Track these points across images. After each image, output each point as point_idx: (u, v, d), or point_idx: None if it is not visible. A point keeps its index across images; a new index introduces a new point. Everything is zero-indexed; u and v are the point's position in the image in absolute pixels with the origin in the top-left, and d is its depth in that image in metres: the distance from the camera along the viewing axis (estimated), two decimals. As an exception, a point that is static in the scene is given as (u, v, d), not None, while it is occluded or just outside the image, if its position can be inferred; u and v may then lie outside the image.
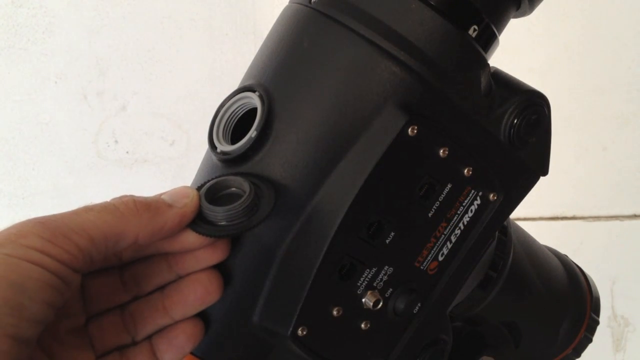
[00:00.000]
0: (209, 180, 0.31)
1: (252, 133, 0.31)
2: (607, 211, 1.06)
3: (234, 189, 0.31)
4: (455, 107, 0.31)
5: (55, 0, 0.86)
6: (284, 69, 0.33)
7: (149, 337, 0.32)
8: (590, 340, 0.49)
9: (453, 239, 0.34)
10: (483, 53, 0.32)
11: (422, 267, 0.33)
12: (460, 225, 0.34)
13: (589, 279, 0.52)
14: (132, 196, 0.30)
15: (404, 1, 0.31)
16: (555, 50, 1.01)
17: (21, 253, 0.26)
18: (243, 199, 0.30)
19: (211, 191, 0.31)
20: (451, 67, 0.31)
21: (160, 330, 0.32)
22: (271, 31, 0.35)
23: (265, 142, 0.31)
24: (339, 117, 0.31)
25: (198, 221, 0.30)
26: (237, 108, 0.34)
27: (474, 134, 0.32)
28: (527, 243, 0.47)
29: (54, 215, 0.28)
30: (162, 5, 0.89)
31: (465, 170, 0.32)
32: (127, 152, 0.90)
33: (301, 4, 0.33)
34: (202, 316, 0.32)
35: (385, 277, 0.32)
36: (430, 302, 0.35)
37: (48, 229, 0.27)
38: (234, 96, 0.34)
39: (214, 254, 0.31)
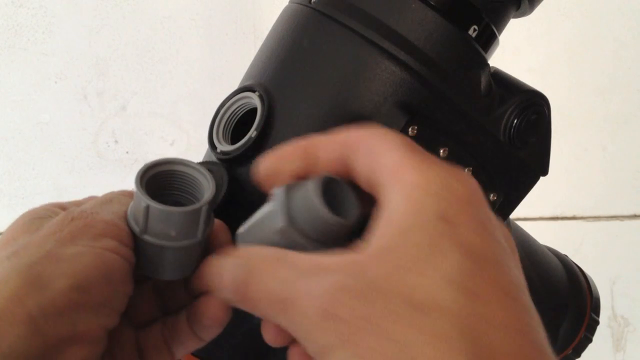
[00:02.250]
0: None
1: (252, 133, 0.31)
2: (607, 211, 1.06)
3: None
4: (455, 107, 0.31)
5: (55, 0, 0.86)
6: (284, 68, 0.33)
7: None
8: (590, 340, 0.49)
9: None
10: (483, 53, 0.32)
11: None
12: (460, 225, 0.34)
13: (589, 279, 0.52)
14: None
15: (404, 1, 0.31)
16: (555, 50, 1.00)
17: (103, 244, 0.26)
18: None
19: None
20: (451, 67, 0.31)
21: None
22: (271, 31, 0.35)
23: (265, 142, 0.31)
24: (339, 116, 0.31)
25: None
26: (237, 108, 0.34)
27: (474, 134, 0.32)
28: (527, 243, 0.47)
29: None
30: (162, 5, 0.89)
31: (465, 170, 0.32)
32: (127, 152, 0.90)
33: (301, 3, 0.33)
34: None
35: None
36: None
37: (115, 218, 0.27)
38: (234, 96, 0.34)
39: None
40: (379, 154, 0.24)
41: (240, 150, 0.32)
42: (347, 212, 0.25)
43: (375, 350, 0.20)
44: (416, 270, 0.21)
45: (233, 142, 0.33)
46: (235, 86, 0.35)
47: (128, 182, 0.92)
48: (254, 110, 0.33)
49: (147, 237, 0.27)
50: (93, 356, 0.25)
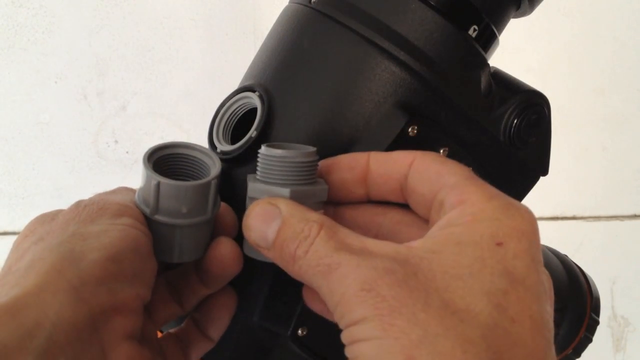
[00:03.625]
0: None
1: (252, 133, 0.31)
2: (607, 211, 1.06)
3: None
4: (455, 107, 0.31)
5: (55, 0, 0.86)
6: (284, 68, 0.33)
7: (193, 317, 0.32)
8: (590, 340, 0.49)
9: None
10: (483, 53, 0.32)
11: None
12: (460, 225, 0.34)
13: (589, 279, 0.52)
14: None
15: (404, 1, 0.31)
16: (555, 50, 1.00)
17: (123, 221, 0.26)
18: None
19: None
20: (451, 67, 0.31)
21: (201, 306, 0.32)
22: (271, 31, 0.35)
23: (265, 142, 0.31)
24: (339, 117, 0.31)
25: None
26: (237, 108, 0.34)
27: (474, 134, 0.32)
28: (527, 243, 0.47)
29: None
30: (162, 5, 0.89)
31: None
32: (127, 152, 0.90)
33: (301, 3, 0.33)
34: None
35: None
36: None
37: (127, 201, 0.28)
38: (234, 96, 0.34)
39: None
40: (444, 176, 0.26)
41: (240, 150, 0.32)
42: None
43: (403, 331, 0.21)
44: (460, 278, 0.22)
45: (233, 142, 0.33)
46: (235, 86, 0.35)
47: (128, 182, 0.92)
48: (254, 110, 0.33)
49: (158, 217, 0.27)
50: (135, 328, 0.26)
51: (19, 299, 0.22)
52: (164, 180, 0.26)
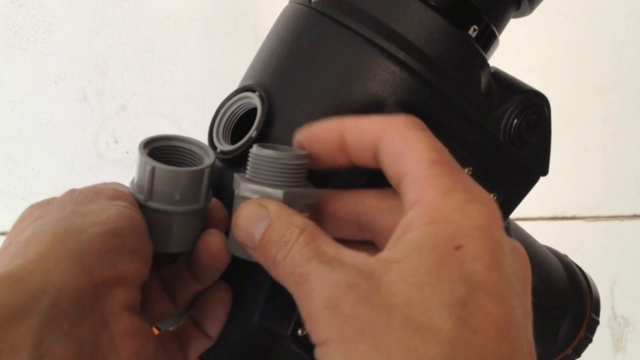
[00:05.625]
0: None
1: (252, 133, 0.31)
2: (607, 211, 1.06)
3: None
4: (455, 107, 0.31)
5: (55, 0, 0.86)
6: (284, 68, 0.33)
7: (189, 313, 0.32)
8: (590, 340, 0.49)
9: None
10: (483, 53, 0.32)
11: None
12: (460, 225, 0.34)
13: (589, 279, 0.52)
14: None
15: (404, 1, 0.31)
16: (555, 50, 1.00)
17: (121, 204, 0.27)
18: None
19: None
20: (451, 67, 0.31)
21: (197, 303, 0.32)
22: (271, 31, 0.35)
23: (265, 142, 0.31)
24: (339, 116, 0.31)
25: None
26: (237, 108, 0.34)
27: (473, 134, 0.32)
28: (527, 243, 0.47)
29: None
30: (162, 5, 0.89)
31: (465, 170, 0.32)
32: (127, 152, 0.90)
33: (301, 3, 0.33)
34: None
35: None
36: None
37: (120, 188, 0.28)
38: (234, 96, 0.34)
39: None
40: (405, 160, 0.25)
41: (240, 150, 0.32)
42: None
43: (363, 357, 0.21)
44: (420, 289, 0.22)
45: (233, 142, 0.33)
46: (235, 86, 0.35)
47: (128, 182, 0.92)
48: (254, 110, 0.33)
49: (152, 204, 0.28)
50: (135, 301, 0.26)
51: (23, 266, 0.22)
52: (159, 166, 0.27)
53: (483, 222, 0.23)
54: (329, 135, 0.28)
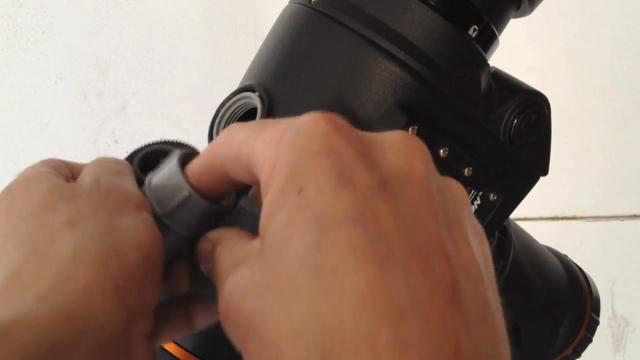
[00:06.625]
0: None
1: (252, 133, 0.31)
2: (607, 211, 1.06)
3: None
4: (455, 107, 0.31)
5: (55, 0, 0.86)
6: (284, 68, 0.33)
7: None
8: (590, 340, 0.49)
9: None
10: (483, 53, 0.32)
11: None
12: (460, 225, 0.34)
13: (589, 279, 0.52)
14: None
15: (404, 1, 0.31)
16: (555, 50, 1.00)
17: (145, 217, 0.26)
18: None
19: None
20: (451, 67, 0.31)
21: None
22: (271, 31, 0.35)
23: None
24: (339, 117, 0.31)
25: None
26: (237, 108, 0.34)
27: (474, 134, 0.32)
28: (527, 243, 0.47)
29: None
30: (162, 5, 0.89)
31: (466, 170, 0.32)
32: (127, 152, 0.90)
33: (301, 3, 0.33)
34: None
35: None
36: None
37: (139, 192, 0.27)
38: (234, 96, 0.34)
39: None
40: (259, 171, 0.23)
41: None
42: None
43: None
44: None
45: (233, 142, 0.33)
46: (235, 86, 0.35)
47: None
48: (254, 110, 0.33)
49: (167, 222, 0.27)
50: (151, 329, 0.25)
51: (71, 295, 0.22)
52: (196, 196, 0.26)
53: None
54: (210, 173, 0.26)
